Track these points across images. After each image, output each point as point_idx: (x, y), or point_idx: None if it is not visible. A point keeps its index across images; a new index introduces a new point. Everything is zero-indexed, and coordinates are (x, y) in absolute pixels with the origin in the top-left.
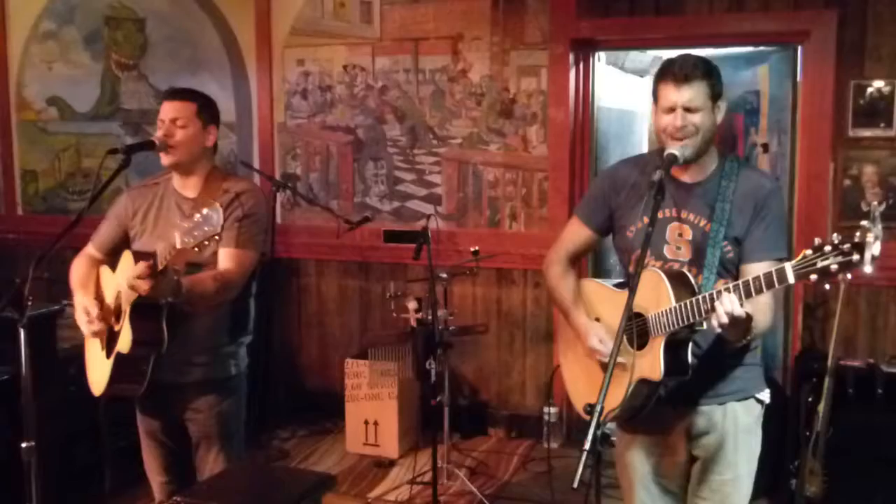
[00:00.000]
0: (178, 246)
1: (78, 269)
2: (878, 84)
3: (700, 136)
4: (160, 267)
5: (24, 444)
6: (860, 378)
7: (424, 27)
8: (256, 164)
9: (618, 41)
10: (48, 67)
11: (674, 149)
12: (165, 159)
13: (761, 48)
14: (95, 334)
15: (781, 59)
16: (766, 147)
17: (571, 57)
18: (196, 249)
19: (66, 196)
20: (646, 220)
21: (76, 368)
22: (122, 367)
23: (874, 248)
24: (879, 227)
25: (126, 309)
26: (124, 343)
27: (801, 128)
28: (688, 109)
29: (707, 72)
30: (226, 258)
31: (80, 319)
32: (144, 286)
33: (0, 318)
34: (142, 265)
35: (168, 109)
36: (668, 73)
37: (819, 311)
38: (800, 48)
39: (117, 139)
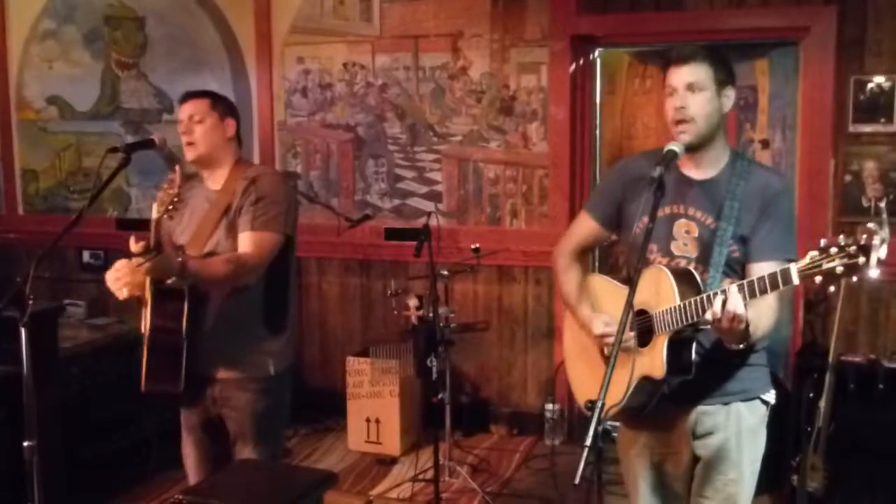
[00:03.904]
0: (154, 216)
1: None
2: (879, 79)
3: (702, 122)
4: (151, 243)
5: (25, 444)
6: (861, 373)
7: (424, 24)
8: (257, 163)
9: (618, 37)
10: (48, 67)
11: (674, 144)
12: (188, 156)
13: (755, 42)
14: (121, 283)
15: (784, 54)
16: (765, 143)
17: (571, 53)
18: (166, 217)
19: (66, 195)
20: (647, 217)
21: (78, 367)
22: (156, 359)
23: (881, 251)
24: (887, 229)
25: (146, 296)
26: (146, 327)
27: (801, 123)
28: (689, 89)
29: (709, 55)
30: (243, 242)
31: (109, 277)
32: (136, 263)
33: (1, 318)
34: (138, 244)
35: (184, 110)
36: (670, 57)
37: (820, 306)
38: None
39: (118, 138)
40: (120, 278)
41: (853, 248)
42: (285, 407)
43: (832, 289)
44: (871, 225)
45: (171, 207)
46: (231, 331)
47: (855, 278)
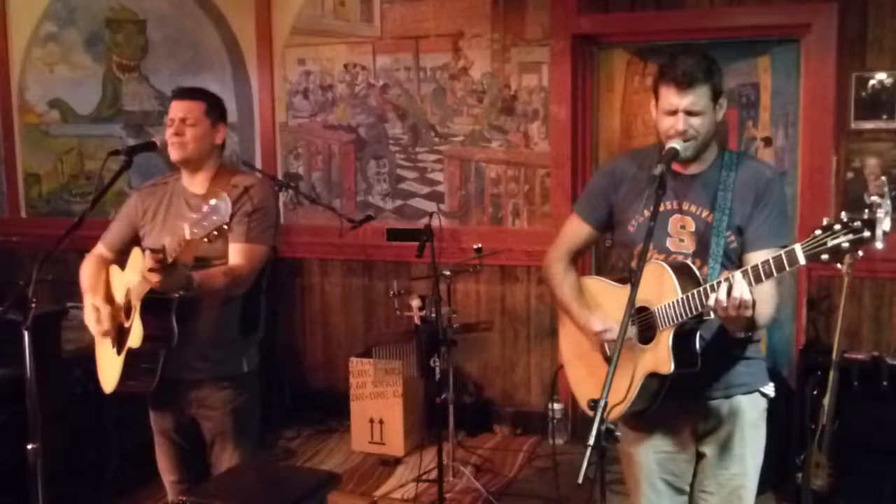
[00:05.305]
0: (188, 237)
1: (87, 270)
2: (881, 76)
3: (702, 137)
4: (170, 259)
5: (29, 446)
6: (865, 371)
7: (425, 25)
8: (259, 164)
9: (619, 36)
10: (49, 70)
11: (675, 143)
12: (174, 155)
13: (757, 39)
14: (105, 333)
15: (786, 51)
16: (768, 141)
17: (572, 53)
18: (206, 240)
19: (68, 198)
20: (647, 213)
21: (81, 370)
22: (133, 364)
23: (885, 224)
24: (889, 202)
25: (136, 304)
26: (135, 338)
27: (803, 121)
28: (690, 113)
29: (709, 73)
30: (236, 253)
31: (89, 319)
32: (154, 278)
33: (4, 321)
34: (151, 258)
35: (177, 108)
36: (670, 76)
37: (823, 304)
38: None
39: (119, 141)
40: (104, 331)
41: (857, 223)
42: (258, 408)
43: (839, 265)
44: (874, 198)
45: (215, 233)
46: (210, 335)
47: (861, 253)
